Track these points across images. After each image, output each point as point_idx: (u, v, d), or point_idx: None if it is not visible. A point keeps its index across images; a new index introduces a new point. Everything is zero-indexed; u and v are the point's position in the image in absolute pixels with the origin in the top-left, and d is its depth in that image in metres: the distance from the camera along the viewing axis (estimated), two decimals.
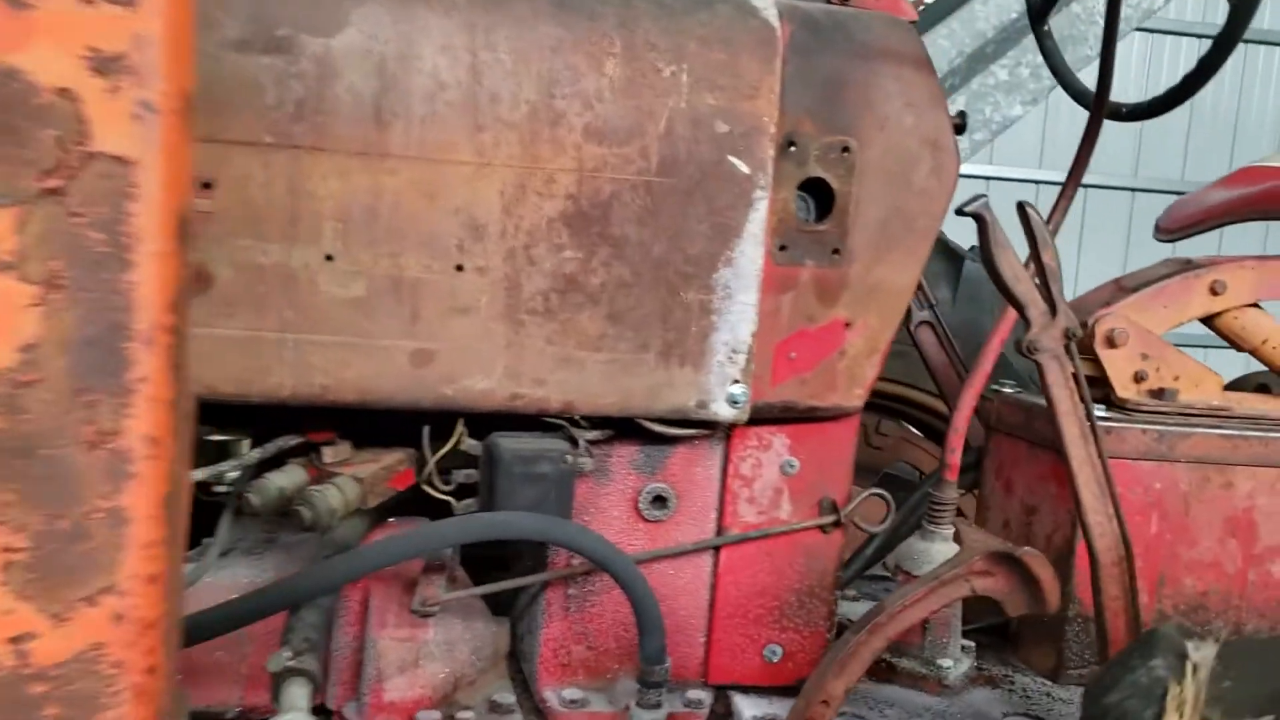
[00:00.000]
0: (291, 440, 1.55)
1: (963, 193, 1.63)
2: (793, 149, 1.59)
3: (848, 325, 1.67)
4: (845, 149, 1.61)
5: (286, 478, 1.55)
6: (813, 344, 1.66)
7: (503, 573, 1.71)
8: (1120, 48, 2.02)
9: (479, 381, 1.49)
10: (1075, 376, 1.48)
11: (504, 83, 1.45)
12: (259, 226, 1.38)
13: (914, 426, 3.19)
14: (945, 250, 3.17)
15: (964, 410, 1.82)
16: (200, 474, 1.48)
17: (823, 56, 1.60)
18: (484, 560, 1.73)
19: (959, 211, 1.73)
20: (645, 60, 1.51)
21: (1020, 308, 1.44)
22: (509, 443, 1.54)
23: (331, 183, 1.40)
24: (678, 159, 1.53)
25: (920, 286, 2.29)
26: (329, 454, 1.57)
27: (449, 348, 1.48)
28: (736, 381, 1.61)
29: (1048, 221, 1.77)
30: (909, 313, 2.28)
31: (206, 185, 1.36)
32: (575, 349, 1.53)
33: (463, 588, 1.62)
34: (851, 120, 1.61)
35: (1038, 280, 1.59)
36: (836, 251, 1.63)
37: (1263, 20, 10.00)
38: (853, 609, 2.02)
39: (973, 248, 3.25)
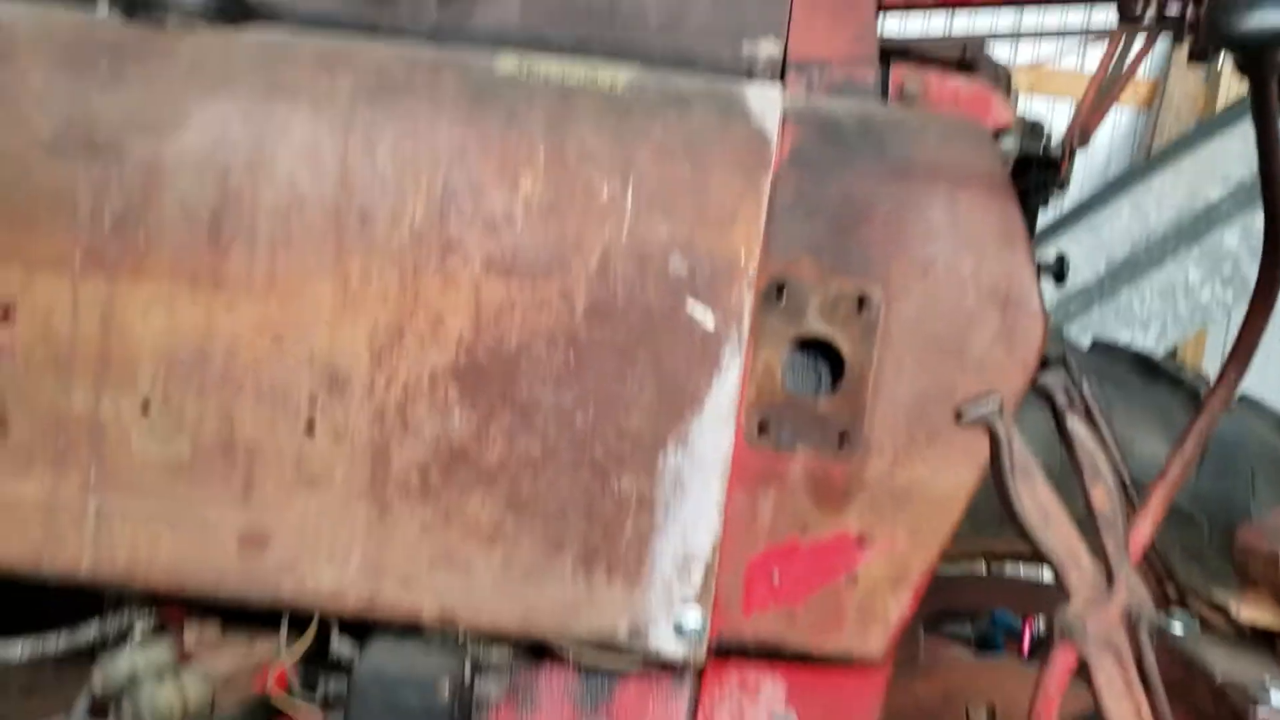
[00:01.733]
0: (143, 614, 1.28)
1: None
2: (782, 297, 1.16)
3: (861, 542, 1.20)
4: (863, 301, 1.16)
5: (145, 656, 1.28)
6: (806, 563, 1.20)
7: None
8: None
9: (327, 576, 1.16)
10: (1146, 679, 0.94)
11: (382, 199, 1.13)
12: (65, 365, 1.13)
13: None
14: (1180, 388, 2.51)
15: None
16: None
17: (839, 175, 1.17)
18: None
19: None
20: (576, 174, 1.15)
21: (1054, 567, 0.94)
22: (379, 655, 1.20)
23: (154, 317, 1.13)
24: (614, 304, 1.15)
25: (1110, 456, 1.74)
26: (190, 636, 1.29)
27: (290, 530, 1.16)
28: (689, 604, 1.19)
29: (1181, 441, 1.22)
30: None
31: (4, 314, 1.13)
32: (460, 542, 1.17)
33: None
34: (875, 262, 1.17)
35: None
36: (845, 438, 1.18)
37: None
38: None
39: (1242, 398, 2.58)
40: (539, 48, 1.32)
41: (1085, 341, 2.91)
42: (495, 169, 1.14)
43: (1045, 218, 4.53)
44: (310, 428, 1.15)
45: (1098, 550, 0.96)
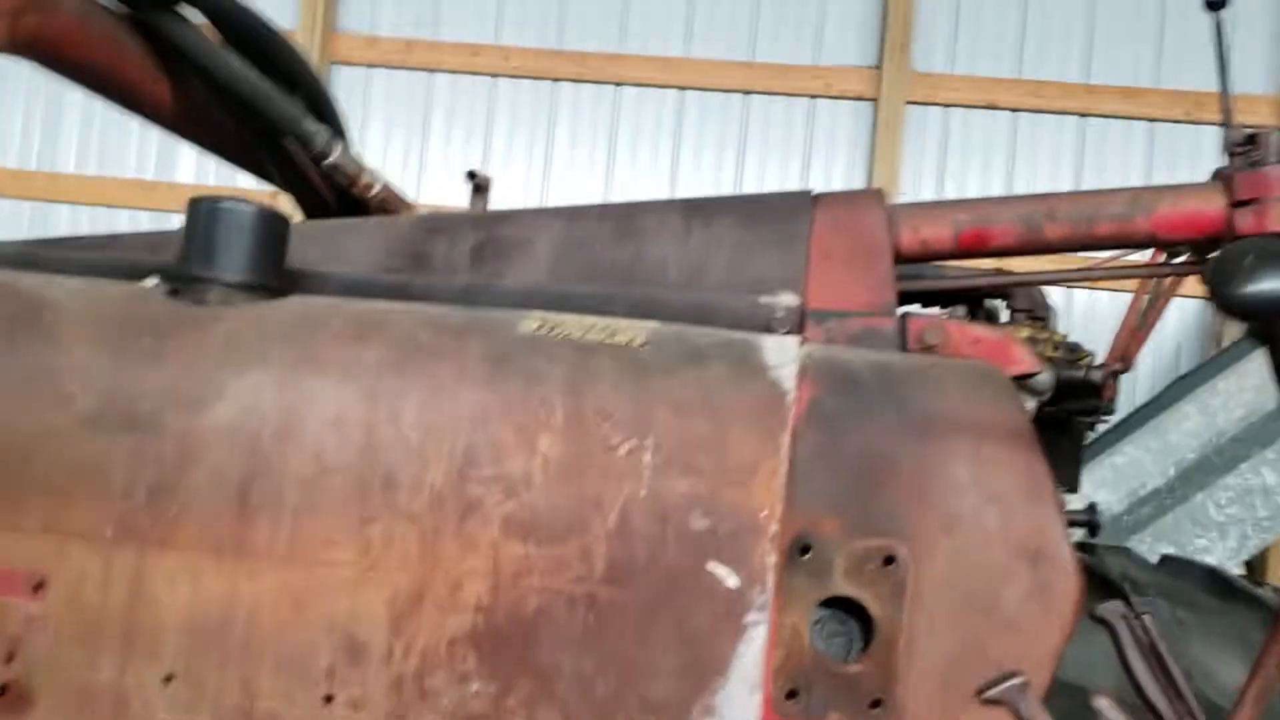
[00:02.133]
0: None
1: None
2: (807, 556, 1.14)
3: None
4: (890, 559, 1.14)
5: None
6: None
7: None
8: None
9: None
10: None
11: (405, 464, 1.15)
12: (93, 637, 1.14)
13: None
14: (1258, 607, 2.39)
15: None
16: None
17: (860, 429, 1.17)
18: None
19: (1092, 617, 1.27)
20: (594, 433, 1.16)
21: None
22: None
23: (179, 587, 1.14)
24: (634, 564, 1.14)
25: (1178, 690, 1.65)
26: None
27: None
28: None
29: (1256, 668, 1.16)
30: None
31: (38, 586, 1.15)
32: None
33: None
34: (901, 519, 1.15)
35: None
36: (878, 705, 1.13)
37: None
38: None
39: None
40: (565, 306, 1.36)
41: (1154, 556, 2.81)
42: (514, 430, 1.16)
43: (1110, 422, 4.45)
44: (328, 698, 1.13)
45: None
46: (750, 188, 7.10)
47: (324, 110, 1.68)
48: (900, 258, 1.43)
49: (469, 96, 7.59)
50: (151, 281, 1.30)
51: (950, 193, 6.97)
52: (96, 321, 1.21)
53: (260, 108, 1.52)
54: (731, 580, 1.13)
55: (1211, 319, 6.40)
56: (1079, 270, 1.51)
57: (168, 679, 1.14)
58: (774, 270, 1.39)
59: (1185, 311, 6.52)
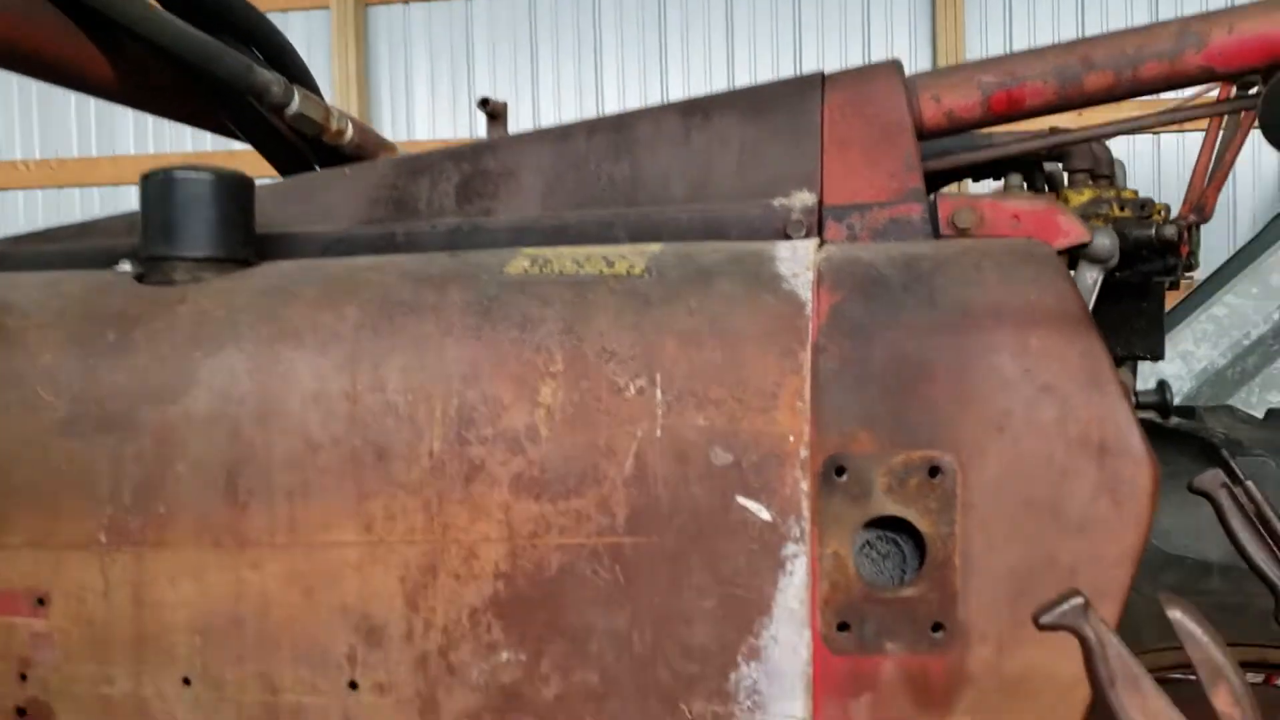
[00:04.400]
0: None
1: None
2: (844, 478, 1.04)
3: None
4: (935, 470, 1.03)
5: None
6: None
7: None
8: None
9: None
10: None
11: (396, 433, 1.07)
12: (103, 648, 1.09)
13: None
14: None
15: None
16: None
17: (889, 332, 1.05)
18: None
19: (1190, 489, 1.23)
20: (599, 376, 1.06)
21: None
22: None
23: (183, 586, 1.08)
24: (658, 510, 1.04)
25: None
26: None
27: None
28: None
29: None
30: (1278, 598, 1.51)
31: (40, 601, 1.10)
32: None
33: None
34: (943, 425, 1.03)
35: None
36: (940, 628, 1.03)
37: None
38: None
39: None
40: (562, 239, 1.25)
41: (1263, 408, 2.63)
42: (512, 382, 1.06)
43: (1206, 265, 4.22)
44: (353, 684, 1.07)
45: None
46: None
47: (284, 59, 1.58)
48: (925, 134, 1.29)
49: (508, 17, 7.45)
50: (124, 266, 1.23)
51: None
52: (60, 320, 1.14)
53: (205, 67, 1.42)
54: (764, 514, 1.04)
55: None
56: (1131, 120, 1.35)
57: (185, 681, 1.09)
58: (786, 167, 1.26)
59: None
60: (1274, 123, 0.68)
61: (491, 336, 1.08)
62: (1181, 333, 4.19)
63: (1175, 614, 0.75)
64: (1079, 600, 0.75)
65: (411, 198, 1.35)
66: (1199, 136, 2.33)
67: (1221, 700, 0.75)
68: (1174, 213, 2.19)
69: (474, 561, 1.06)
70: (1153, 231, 1.76)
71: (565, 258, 1.16)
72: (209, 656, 1.08)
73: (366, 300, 1.11)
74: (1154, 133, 6.22)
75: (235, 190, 1.19)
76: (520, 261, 1.15)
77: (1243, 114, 2.04)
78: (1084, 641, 0.76)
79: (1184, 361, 4.20)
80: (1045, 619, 0.75)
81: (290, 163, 1.69)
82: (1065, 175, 2.01)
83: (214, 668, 1.08)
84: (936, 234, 1.19)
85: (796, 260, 1.11)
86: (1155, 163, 6.59)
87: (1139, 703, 0.75)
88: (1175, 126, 5.88)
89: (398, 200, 1.35)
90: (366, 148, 1.72)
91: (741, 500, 1.04)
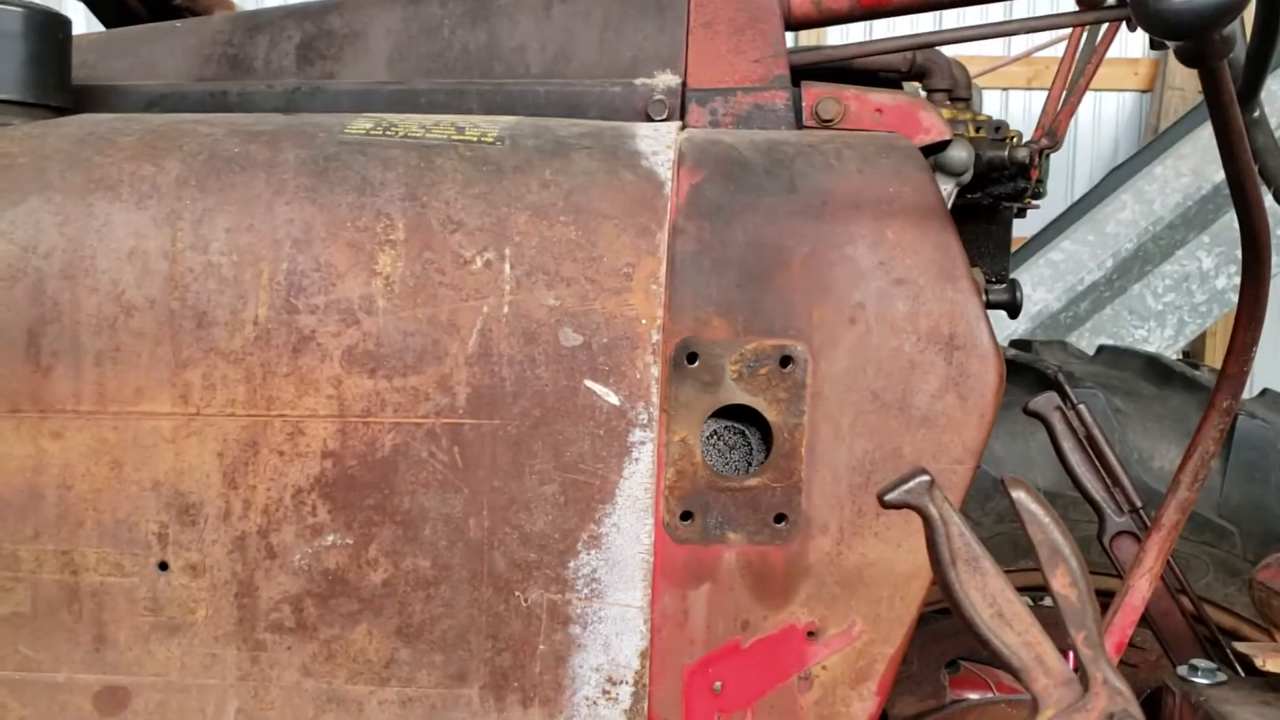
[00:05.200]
0: None
1: None
2: (695, 364, 1.01)
3: (812, 635, 1.04)
4: (787, 360, 1.00)
5: None
6: (752, 666, 1.04)
7: None
8: None
9: None
10: None
11: (219, 296, 0.98)
12: None
13: None
14: (1197, 390, 2.32)
15: None
16: None
17: (747, 217, 1.02)
18: None
19: (1025, 411, 1.35)
20: (444, 246, 1.00)
21: (1015, 674, 0.77)
22: None
23: None
24: (501, 391, 1.00)
25: (1115, 479, 1.57)
26: None
27: (152, 683, 1.01)
28: None
29: (1189, 454, 1.07)
30: (1102, 521, 1.56)
31: None
32: (348, 682, 1.02)
33: None
34: (797, 314, 1.01)
35: None
36: (782, 519, 1.02)
37: None
38: None
39: (1264, 392, 2.39)
40: (408, 106, 1.18)
41: (1092, 347, 2.73)
42: (347, 249, 0.99)
43: (1044, 217, 4.35)
44: (163, 565, 1.00)
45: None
46: None
47: None
48: (793, 23, 1.25)
49: None
50: None
51: None
52: None
53: None
54: (611, 398, 1.00)
55: (1146, 113, 6.25)
56: (997, 24, 1.34)
57: None
58: (650, 47, 1.21)
59: (1124, 104, 6.36)
60: (1145, 11, 0.66)
61: (328, 198, 1.00)
62: (1019, 276, 4.33)
63: (1019, 494, 0.74)
64: (924, 478, 0.74)
65: (248, 56, 1.25)
66: (1044, 94, 2.36)
67: (1059, 581, 0.75)
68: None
69: (300, 438, 0.99)
70: (1005, 153, 1.77)
71: (412, 122, 1.08)
72: (2, 531, 0.99)
73: (191, 154, 1.02)
74: (1003, 90, 6.32)
75: (49, 28, 1.08)
76: (362, 123, 1.08)
77: (1100, 33, 2.07)
78: (927, 520, 0.74)
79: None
80: (890, 496, 0.74)
81: (120, 22, 1.55)
82: (925, 94, 2.01)
83: (6, 545, 0.99)
84: (800, 124, 1.16)
85: (658, 139, 1.07)
86: (1004, 114, 6.74)
87: (978, 582, 0.75)
88: (1024, 82, 6.04)
89: (233, 58, 1.24)
90: (204, 5, 1.59)
91: (589, 384, 1.00)
